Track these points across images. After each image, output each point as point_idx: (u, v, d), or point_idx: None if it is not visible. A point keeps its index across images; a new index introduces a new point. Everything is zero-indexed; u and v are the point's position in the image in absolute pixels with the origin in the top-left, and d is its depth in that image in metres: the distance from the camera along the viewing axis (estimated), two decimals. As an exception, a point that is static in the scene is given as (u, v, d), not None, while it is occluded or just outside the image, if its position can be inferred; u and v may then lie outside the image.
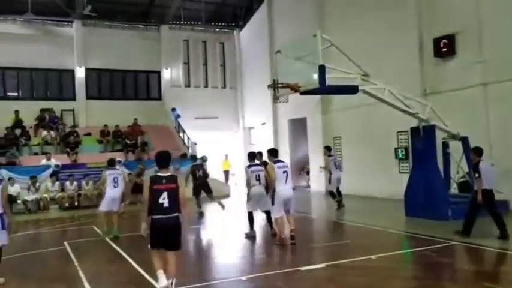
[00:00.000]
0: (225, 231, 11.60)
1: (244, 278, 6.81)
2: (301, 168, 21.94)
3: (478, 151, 9.03)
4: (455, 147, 12.15)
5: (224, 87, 25.80)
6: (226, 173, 24.25)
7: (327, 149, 14.69)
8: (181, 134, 22.51)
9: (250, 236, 10.02)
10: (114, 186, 10.43)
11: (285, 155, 21.87)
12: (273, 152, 10.01)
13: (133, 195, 12.81)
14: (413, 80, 14.47)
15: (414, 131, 11.92)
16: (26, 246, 10.35)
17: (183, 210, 5.79)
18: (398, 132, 15.37)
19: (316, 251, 8.83)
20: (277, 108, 22.30)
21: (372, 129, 16.47)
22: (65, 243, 10.03)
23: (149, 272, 6.77)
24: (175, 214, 5.71)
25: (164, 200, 5.64)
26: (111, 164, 11.02)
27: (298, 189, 21.09)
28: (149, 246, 5.78)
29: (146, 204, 5.75)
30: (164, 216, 5.64)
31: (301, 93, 10.25)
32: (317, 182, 19.61)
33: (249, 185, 9.98)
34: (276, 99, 10.85)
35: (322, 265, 7.33)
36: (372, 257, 7.67)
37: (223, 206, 13.35)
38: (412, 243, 9.13)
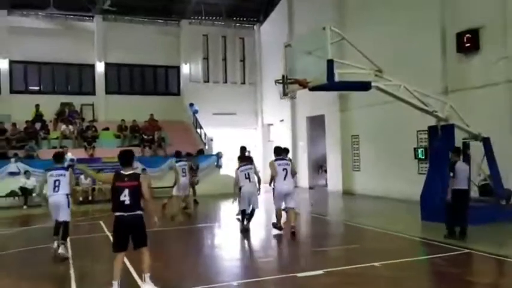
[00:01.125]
0: (222, 232, 11.36)
1: (235, 283, 6.47)
2: (320, 167, 21.43)
3: (457, 151, 9.42)
4: (477, 148, 11.46)
5: (243, 83, 25.47)
6: None
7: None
8: (198, 130, 22.32)
9: (244, 229, 10.29)
10: (183, 175, 12.57)
11: (303, 153, 21.52)
12: (276, 150, 10.53)
13: None
14: (435, 77, 13.79)
15: (432, 130, 11.31)
16: (29, 240, 10.36)
17: (148, 207, 5.87)
18: (418, 131, 14.69)
19: (318, 256, 8.40)
20: (295, 105, 21.83)
21: (391, 128, 15.84)
22: (68, 238, 9.91)
23: (139, 273, 6.53)
24: (137, 212, 5.78)
25: (125, 197, 5.70)
26: (179, 155, 13.46)
27: (315, 188, 20.70)
28: (113, 249, 5.82)
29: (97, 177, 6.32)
30: (125, 214, 5.72)
31: (310, 89, 9.82)
32: (334, 180, 19.07)
33: (237, 185, 10.34)
34: (285, 95, 10.45)
35: (321, 271, 6.91)
36: (376, 264, 7.23)
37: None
38: (422, 250, 8.62)
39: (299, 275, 6.78)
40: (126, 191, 5.70)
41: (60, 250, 8.01)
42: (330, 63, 8.94)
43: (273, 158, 10.26)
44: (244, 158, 11.42)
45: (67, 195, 8.27)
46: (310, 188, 20.91)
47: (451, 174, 8.94)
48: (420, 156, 14.74)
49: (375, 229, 10.53)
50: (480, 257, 7.75)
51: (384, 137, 16.31)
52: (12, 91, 21.59)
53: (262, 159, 24.45)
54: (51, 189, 8.18)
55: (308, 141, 21.33)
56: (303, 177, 21.48)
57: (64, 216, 8.25)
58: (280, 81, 9.92)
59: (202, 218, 13.63)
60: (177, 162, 13.03)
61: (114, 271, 5.74)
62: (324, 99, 18.56)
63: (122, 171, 5.86)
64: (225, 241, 10.31)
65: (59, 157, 8.71)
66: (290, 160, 10.88)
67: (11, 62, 21.55)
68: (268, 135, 25.24)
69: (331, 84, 9.20)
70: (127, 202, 5.68)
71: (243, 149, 12.21)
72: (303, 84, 9.59)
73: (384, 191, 15.98)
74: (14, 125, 19.31)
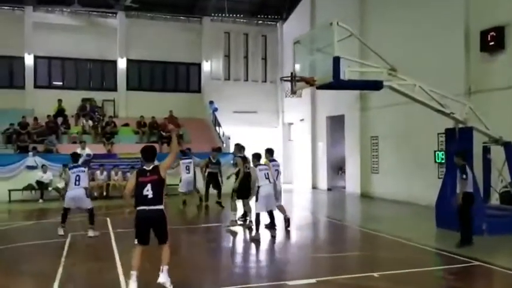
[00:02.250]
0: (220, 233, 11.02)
1: (218, 289, 6.16)
2: (339, 168, 20.88)
3: (464, 155, 9.18)
4: (498, 153, 10.77)
5: (265, 81, 25.10)
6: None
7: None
8: (217, 128, 22.14)
9: (256, 239, 9.39)
10: (187, 173, 13.16)
11: (322, 154, 21.03)
12: (269, 151, 10.49)
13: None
14: (457, 77, 13.09)
15: (449, 133, 10.70)
16: (30, 235, 10.39)
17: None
18: (439, 133, 14.00)
19: (316, 263, 8.00)
20: (316, 104, 21.37)
21: (411, 129, 15.20)
22: (70, 234, 9.87)
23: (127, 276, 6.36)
24: (159, 206, 5.94)
25: (148, 191, 5.88)
26: (185, 154, 13.83)
27: (334, 190, 20.19)
28: (135, 241, 5.99)
29: (126, 195, 6.17)
30: (147, 208, 5.88)
31: (318, 88, 9.44)
32: (353, 182, 18.50)
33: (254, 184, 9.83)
34: (293, 93, 10.08)
35: (313, 280, 6.53)
36: (375, 274, 6.79)
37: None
38: (429, 261, 8.05)
39: (290, 283, 6.43)
40: (149, 186, 5.88)
41: (90, 233, 9.72)
42: (337, 61, 8.52)
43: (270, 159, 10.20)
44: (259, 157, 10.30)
45: (85, 188, 9.84)
46: (329, 189, 20.40)
47: (464, 176, 8.67)
48: (440, 160, 14.04)
49: (384, 236, 10.02)
50: (491, 271, 7.18)
51: (403, 139, 15.68)
52: (36, 86, 21.96)
53: (282, 159, 24.14)
54: (72, 184, 9.63)
55: (328, 142, 20.81)
56: (322, 179, 21.02)
57: (87, 204, 9.88)
58: (286, 78, 9.55)
59: (206, 217, 13.39)
60: (181, 159, 13.15)
61: (133, 262, 5.90)
62: (345, 98, 18.08)
63: (144, 167, 6.08)
64: (219, 243, 9.85)
65: (77, 157, 10.24)
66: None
67: (36, 58, 21.91)
68: (289, 135, 24.82)
69: (338, 83, 8.77)
70: (150, 196, 5.84)
71: (270, 151, 10.81)
72: (309, 82, 9.21)
73: (402, 195, 15.37)
74: (35, 119, 19.61)
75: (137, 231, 5.97)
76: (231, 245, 9.79)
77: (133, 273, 5.83)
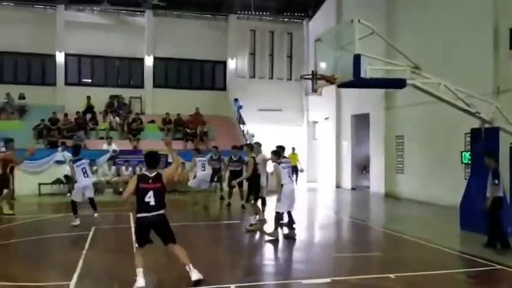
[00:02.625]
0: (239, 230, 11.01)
1: (233, 286, 6.17)
2: (364, 167, 20.64)
3: (495, 156, 9.04)
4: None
5: (290, 79, 24.99)
6: (293, 169, 22.36)
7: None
8: (241, 126, 22.22)
9: (273, 237, 9.32)
10: (202, 170, 13.07)
11: (346, 153, 20.83)
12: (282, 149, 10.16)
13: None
14: (485, 76, 12.73)
15: (475, 133, 10.42)
16: (57, 228, 10.69)
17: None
18: (466, 133, 13.64)
19: (333, 262, 7.96)
20: (341, 102, 21.17)
21: (438, 129, 14.88)
22: (93, 228, 10.12)
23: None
24: (160, 212, 6.03)
25: (150, 198, 5.93)
26: (200, 152, 14.02)
27: (358, 190, 19.98)
28: (135, 246, 6.10)
29: (125, 197, 6.37)
30: (149, 215, 5.95)
31: (338, 86, 9.36)
32: (377, 182, 18.25)
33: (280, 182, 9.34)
34: (314, 91, 10.01)
35: (328, 280, 6.51)
36: (392, 275, 6.70)
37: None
38: (449, 263, 7.88)
39: (304, 281, 6.42)
40: (151, 193, 5.93)
41: (96, 215, 10.95)
42: (357, 58, 8.42)
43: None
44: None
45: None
46: (353, 189, 20.20)
47: (496, 181, 8.46)
48: (467, 160, 13.69)
49: (406, 237, 9.85)
50: (510, 274, 6.97)
51: (430, 139, 15.38)
52: (66, 83, 22.56)
53: (306, 157, 24.07)
54: (81, 176, 10.63)
55: (352, 140, 20.60)
56: (346, 178, 20.83)
57: (90, 193, 11.07)
58: (307, 76, 9.49)
59: (229, 215, 13.45)
60: (197, 157, 13.48)
61: (137, 262, 5.98)
62: (370, 97, 17.87)
63: (146, 173, 6.10)
64: (235, 240, 9.83)
65: (78, 151, 11.18)
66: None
67: (66, 55, 22.50)
68: (313, 133, 24.68)
69: (358, 81, 8.66)
70: (152, 203, 5.90)
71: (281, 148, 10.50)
72: (330, 81, 9.13)
73: (427, 195, 15.09)
74: (65, 115, 20.16)
75: (138, 236, 6.07)
76: (249, 242, 9.80)
77: (140, 270, 5.92)
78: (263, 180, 11.13)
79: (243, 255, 8.41)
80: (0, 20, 21.36)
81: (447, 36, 14.29)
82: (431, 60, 13.00)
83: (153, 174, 6.01)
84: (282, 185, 9.25)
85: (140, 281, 5.88)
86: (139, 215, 5.95)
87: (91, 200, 11.12)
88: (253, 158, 10.92)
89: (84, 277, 6.53)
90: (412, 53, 9.58)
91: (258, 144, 11.47)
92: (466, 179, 13.59)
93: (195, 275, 5.97)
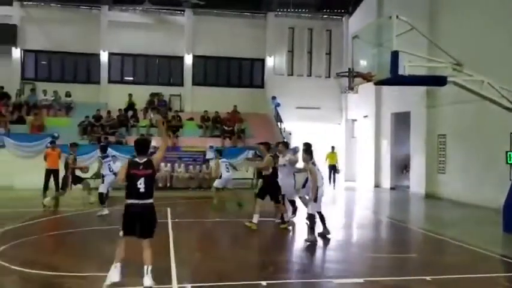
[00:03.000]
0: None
1: (264, 283, 6.18)
2: (404, 167, 20.16)
3: None
4: None
5: (328, 76, 24.69)
6: (332, 168, 20.48)
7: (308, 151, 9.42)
8: (279, 123, 22.20)
9: (312, 241, 8.89)
10: (227, 171, 13.13)
11: (386, 152, 20.43)
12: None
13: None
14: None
15: (520, 132, 9.98)
16: (96, 221, 11.04)
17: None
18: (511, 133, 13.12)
19: (368, 263, 7.82)
20: (380, 100, 20.76)
21: (482, 128, 14.34)
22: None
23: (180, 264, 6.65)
24: (149, 200, 5.88)
25: (141, 185, 5.80)
26: (221, 153, 13.98)
27: (397, 190, 19.57)
28: (121, 233, 5.88)
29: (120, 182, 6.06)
30: (139, 202, 5.81)
31: (375, 84, 9.18)
32: (418, 182, 17.79)
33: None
34: (350, 89, 9.89)
35: (361, 280, 6.42)
36: (428, 278, 6.54)
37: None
38: (489, 267, 7.57)
39: (336, 280, 6.37)
40: (142, 179, 5.80)
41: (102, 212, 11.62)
42: (395, 55, 8.24)
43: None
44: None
45: (115, 174, 11.60)
46: (392, 188, 19.79)
47: None
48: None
49: (446, 239, 9.58)
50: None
51: (473, 138, 14.84)
52: (109, 81, 23.26)
53: (344, 156, 23.75)
54: (107, 170, 12.01)
55: (392, 139, 20.16)
56: (385, 177, 20.43)
57: (103, 189, 12.10)
58: (343, 74, 9.38)
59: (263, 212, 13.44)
60: (219, 159, 13.58)
61: (118, 254, 5.83)
62: (411, 95, 17.46)
63: (136, 159, 5.93)
64: (271, 238, 9.82)
65: (105, 148, 12.41)
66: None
67: (110, 54, 23.19)
68: (352, 132, 24.33)
69: (396, 78, 8.49)
70: (142, 190, 5.78)
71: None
72: (366, 78, 8.99)
73: (469, 197, 14.57)
74: (108, 112, 20.80)
75: (125, 223, 5.84)
76: (283, 240, 9.78)
77: (118, 265, 5.77)
78: (290, 182, 10.54)
79: (276, 253, 8.40)
80: (48, 20, 22.33)
81: (494, 32, 13.72)
82: (476, 57, 12.55)
83: (143, 161, 5.87)
84: (317, 187, 8.91)
85: (114, 276, 5.71)
86: (128, 201, 5.80)
87: (99, 194, 12.02)
88: (272, 156, 10.37)
89: (120, 269, 6.71)
90: (456, 49, 9.31)
91: (285, 145, 10.88)
92: (511, 180, 13.09)
93: (148, 281, 5.66)
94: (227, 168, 13.26)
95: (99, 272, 6.44)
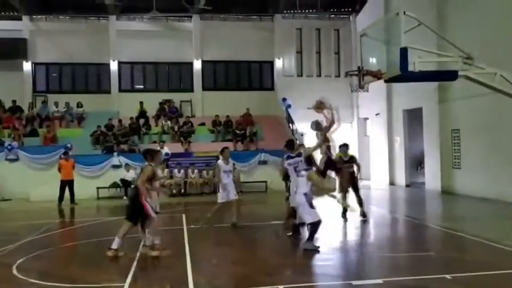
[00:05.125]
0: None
1: (281, 287, 6.13)
2: (418, 163, 19.94)
3: None
4: None
5: (338, 76, 24.60)
6: None
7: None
8: (290, 125, 22.14)
9: (312, 249, 8.32)
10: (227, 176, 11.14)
11: (400, 149, 20.23)
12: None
13: None
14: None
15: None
16: (113, 230, 11.02)
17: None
18: (528, 125, 12.90)
19: (386, 263, 7.70)
20: (391, 97, 20.58)
21: (497, 122, 14.11)
22: (147, 230, 10.35)
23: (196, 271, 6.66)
24: None
25: None
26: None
27: (412, 186, 19.37)
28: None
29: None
30: None
31: (386, 81, 9.09)
32: (433, 178, 17.57)
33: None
34: (361, 87, 9.80)
35: (380, 281, 6.31)
36: (448, 276, 6.41)
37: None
38: (511, 262, 7.43)
39: (354, 282, 6.28)
40: None
41: None
42: (404, 52, 8.14)
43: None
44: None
45: None
46: (407, 185, 19.57)
47: None
48: (530, 153, 12.90)
49: (465, 236, 9.39)
50: None
51: (488, 132, 14.60)
52: (120, 90, 23.48)
53: (358, 155, 23.51)
54: None
55: (405, 136, 19.97)
56: (400, 175, 20.22)
57: None
58: (352, 72, 9.30)
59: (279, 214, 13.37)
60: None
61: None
62: (422, 90, 17.26)
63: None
64: (283, 241, 9.63)
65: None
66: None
67: (119, 63, 23.39)
68: (364, 130, 24.16)
69: (406, 75, 8.40)
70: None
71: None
72: (376, 76, 8.90)
73: (487, 192, 14.34)
74: (120, 121, 20.94)
75: None
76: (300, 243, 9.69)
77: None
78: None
79: (293, 256, 8.34)
80: (57, 33, 22.62)
81: (504, 24, 13.50)
82: (486, 50, 12.36)
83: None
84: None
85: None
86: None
87: None
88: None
89: (137, 278, 6.74)
90: (464, 43, 9.18)
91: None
92: (529, 173, 12.88)
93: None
94: (227, 173, 11.25)
95: (116, 282, 6.46)
